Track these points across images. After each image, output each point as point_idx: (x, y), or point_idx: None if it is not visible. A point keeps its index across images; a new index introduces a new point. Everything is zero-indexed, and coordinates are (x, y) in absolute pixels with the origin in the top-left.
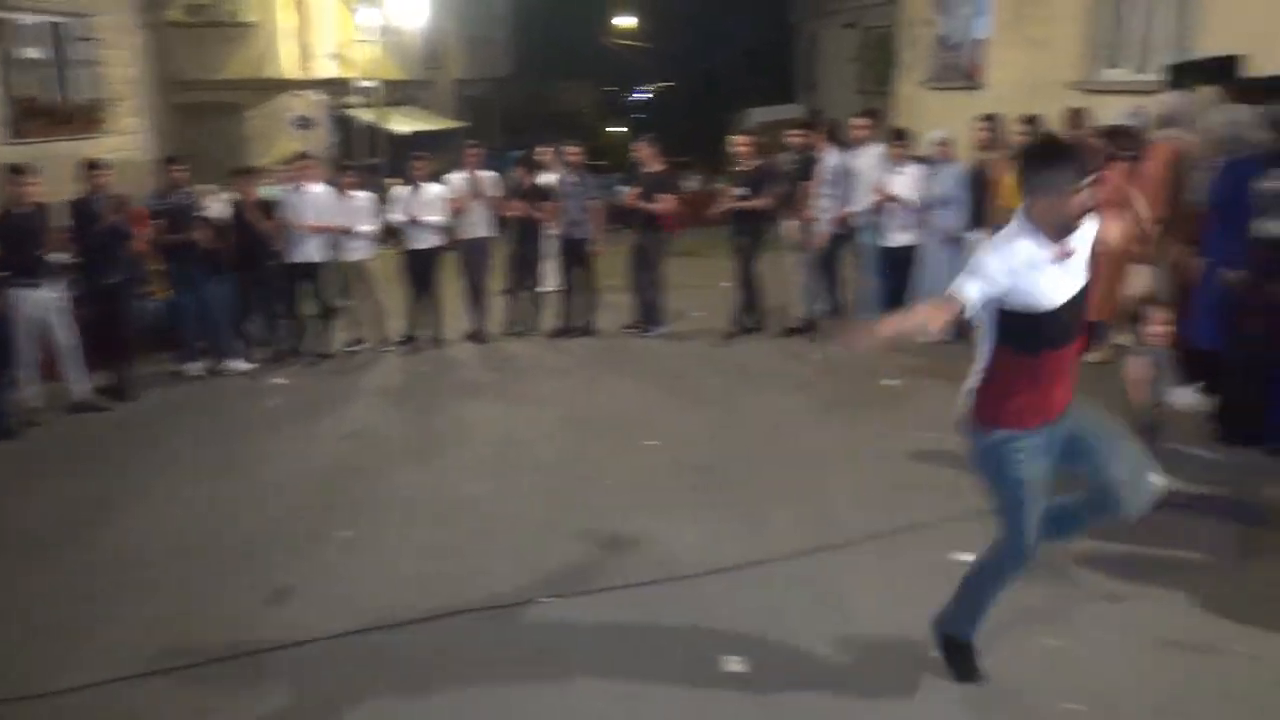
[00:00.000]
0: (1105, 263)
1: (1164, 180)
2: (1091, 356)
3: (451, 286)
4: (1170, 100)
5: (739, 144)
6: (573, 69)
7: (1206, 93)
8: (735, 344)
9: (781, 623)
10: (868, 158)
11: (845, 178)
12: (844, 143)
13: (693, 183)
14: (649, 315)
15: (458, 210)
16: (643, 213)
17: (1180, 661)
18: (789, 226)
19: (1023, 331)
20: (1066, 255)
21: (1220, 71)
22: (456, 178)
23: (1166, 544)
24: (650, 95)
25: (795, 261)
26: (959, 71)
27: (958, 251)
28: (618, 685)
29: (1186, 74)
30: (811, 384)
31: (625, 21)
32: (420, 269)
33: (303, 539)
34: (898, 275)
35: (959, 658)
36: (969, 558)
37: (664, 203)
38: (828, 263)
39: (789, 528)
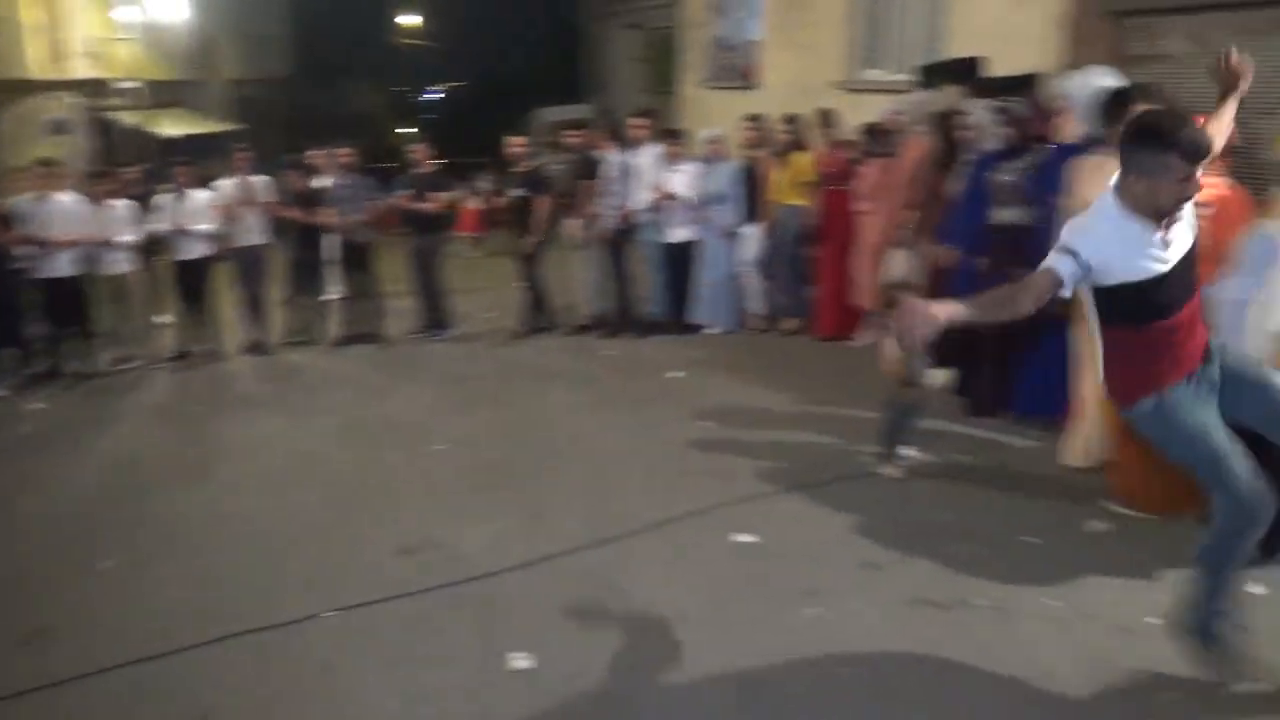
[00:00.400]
0: (866, 252)
1: (916, 173)
2: (858, 340)
3: (228, 297)
4: (919, 99)
5: (514, 145)
6: (359, 69)
7: (953, 91)
8: (525, 344)
9: (569, 615)
10: (646, 156)
11: (626, 176)
12: (626, 142)
13: (485, 184)
14: (435, 319)
15: (228, 217)
16: (419, 214)
17: (933, 618)
18: (572, 225)
19: (1126, 307)
20: (1166, 237)
21: (964, 71)
22: (226, 183)
23: (922, 513)
24: (442, 95)
25: (581, 260)
26: (736, 72)
27: (734, 245)
28: (401, 693)
29: (934, 74)
30: (599, 379)
31: (411, 20)
32: (191, 280)
33: (63, 573)
34: (679, 270)
35: (1216, 646)
36: (748, 539)
37: (436, 202)
38: (614, 259)
39: (576, 522)
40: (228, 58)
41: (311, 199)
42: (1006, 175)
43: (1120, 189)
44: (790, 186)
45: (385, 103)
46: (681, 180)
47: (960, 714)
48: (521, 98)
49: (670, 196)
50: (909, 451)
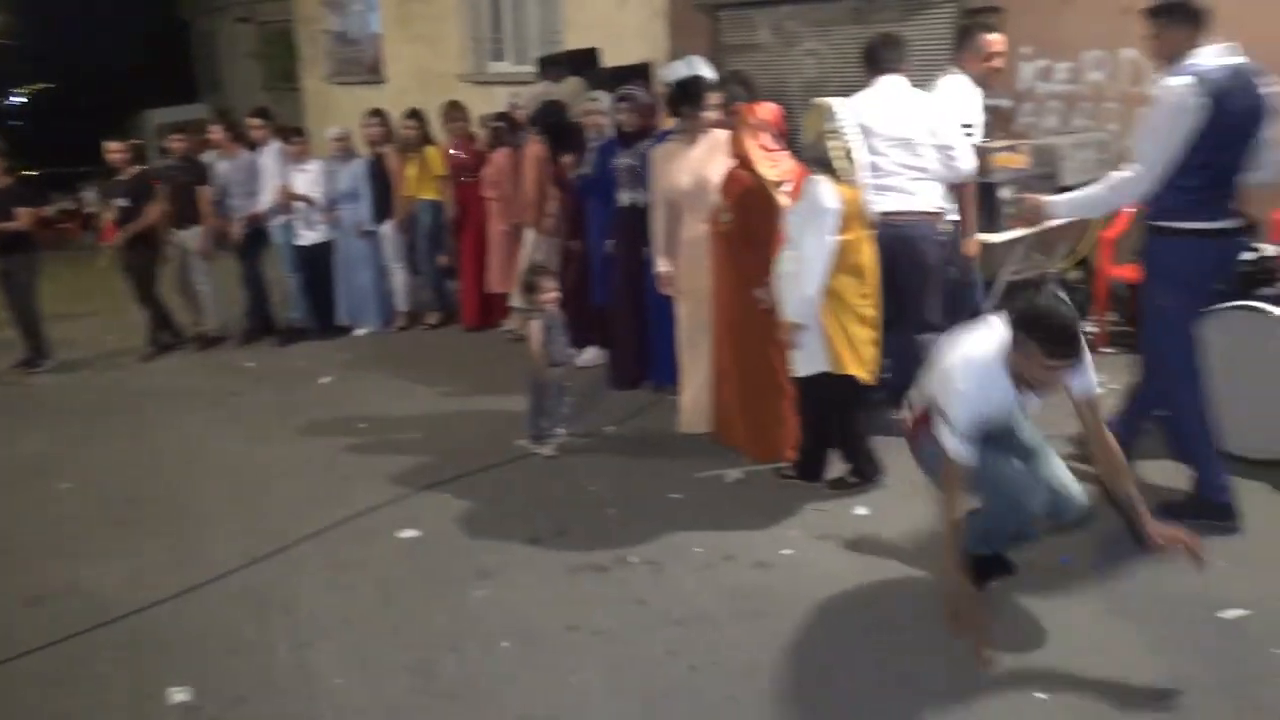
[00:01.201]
0: (500, 238)
1: (542, 161)
2: (504, 327)
3: None
4: (539, 90)
5: (113, 151)
6: None
7: (573, 82)
8: (154, 365)
9: (228, 640)
10: (268, 157)
11: (252, 178)
12: (246, 142)
13: (89, 195)
14: (36, 348)
15: None
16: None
17: (594, 580)
18: (187, 235)
19: None
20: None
21: (582, 62)
22: None
23: (577, 485)
24: (25, 100)
25: (201, 270)
26: (361, 66)
27: (371, 243)
28: None
29: (554, 65)
30: (242, 394)
31: None
32: None
33: None
34: (315, 271)
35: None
36: (412, 533)
37: (22, 219)
38: (244, 266)
39: (227, 545)
40: None
41: None
42: (625, 160)
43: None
44: (421, 181)
45: None
46: (306, 180)
47: (622, 664)
48: (126, 99)
49: (295, 197)
50: (559, 429)
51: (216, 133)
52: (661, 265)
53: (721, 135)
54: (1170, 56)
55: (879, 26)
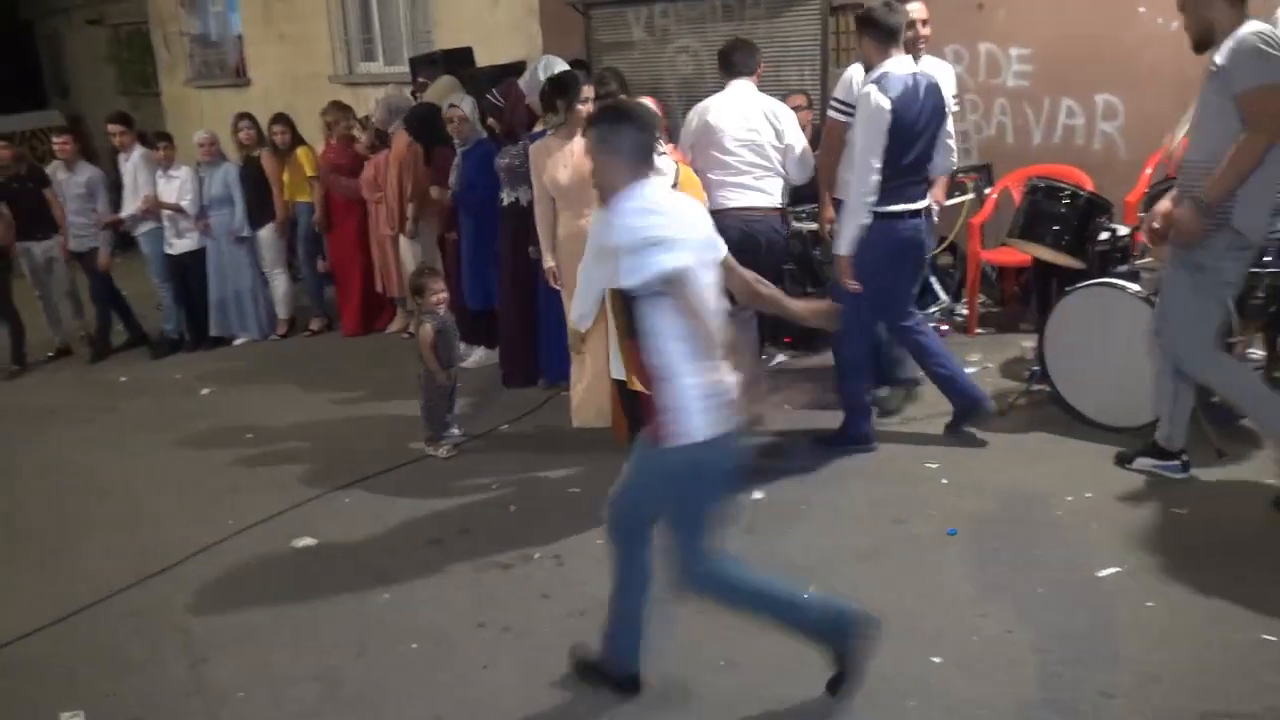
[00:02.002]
0: (379, 242)
1: (404, 162)
2: (393, 327)
3: None
4: (402, 92)
5: None
6: None
7: (445, 81)
8: (18, 383)
9: (120, 661)
10: (130, 164)
11: (92, 193)
12: (92, 152)
13: None
14: None
15: None
16: None
17: (498, 577)
18: (42, 245)
19: None
20: None
21: (455, 62)
22: None
23: (475, 485)
24: None
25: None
26: (225, 69)
27: (246, 250)
28: None
29: (427, 65)
30: (117, 409)
31: None
32: None
33: None
34: (189, 280)
35: None
36: (309, 541)
37: None
38: (97, 278)
39: (113, 564)
40: None
41: None
42: (505, 160)
43: None
44: (295, 184)
45: None
46: (175, 187)
47: (531, 658)
48: None
49: (164, 206)
50: (453, 430)
51: (64, 143)
52: (548, 260)
53: None
54: (867, 66)
55: (751, 23)
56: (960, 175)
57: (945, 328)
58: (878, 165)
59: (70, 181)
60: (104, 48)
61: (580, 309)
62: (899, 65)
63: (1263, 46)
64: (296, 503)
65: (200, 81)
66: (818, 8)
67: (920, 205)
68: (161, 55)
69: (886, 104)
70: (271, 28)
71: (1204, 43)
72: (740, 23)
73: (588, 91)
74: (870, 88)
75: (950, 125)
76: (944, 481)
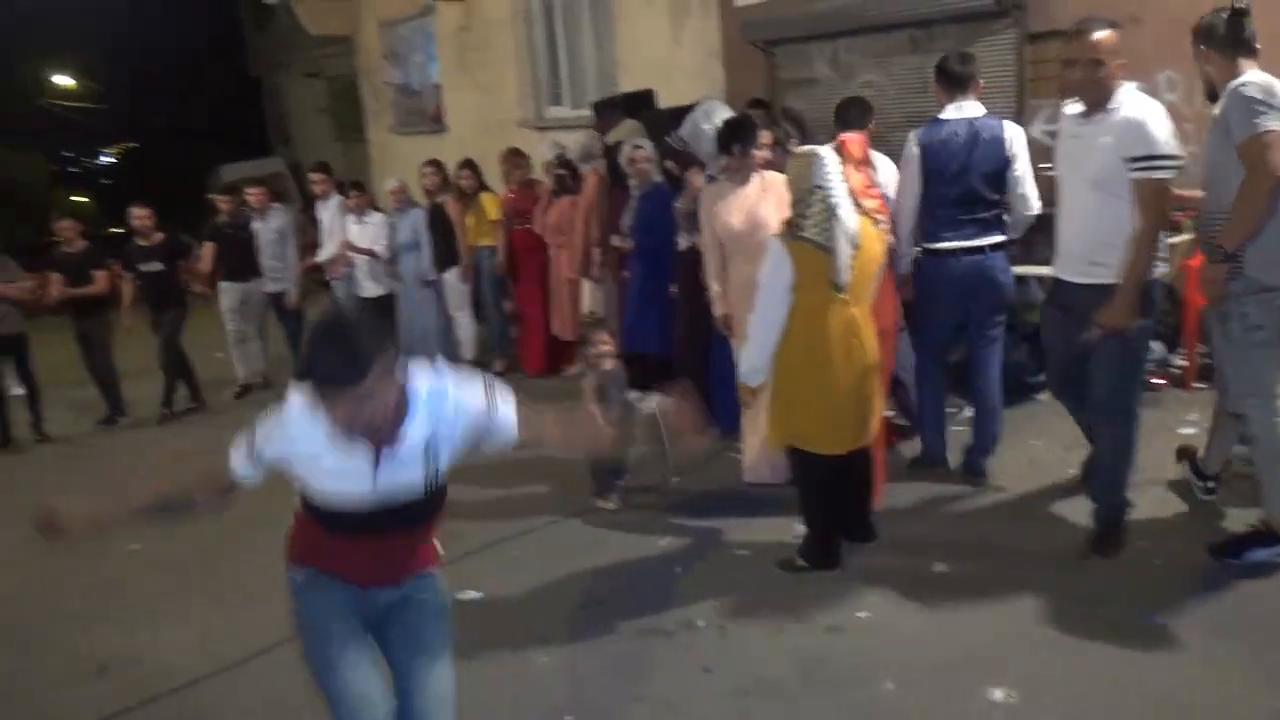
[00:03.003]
0: (561, 287)
1: (595, 206)
2: (575, 369)
3: None
4: (591, 135)
5: (139, 216)
6: (8, 136)
7: (629, 124)
8: (176, 425)
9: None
10: (329, 210)
11: (283, 239)
12: (289, 198)
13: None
14: (114, 405)
15: None
16: (78, 297)
17: (659, 645)
18: (246, 287)
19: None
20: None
21: (637, 105)
22: None
23: (641, 541)
24: (114, 159)
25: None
26: (424, 116)
27: (435, 293)
28: None
29: (609, 108)
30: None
31: (64, 81)
32: None
33: None
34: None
35: None
36: (472, 594)
37: (99, 282)
38: (288, 321)
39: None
40: None
41: None
42: (681, 204)
43: None
44: (479, 228)
45: (47, 171)
46: (366, 232)
47: None
48: (203, 156)
49: (358, 250)
50: (620, 482)
51: (256, 194)
52: (719, 308)
53: (773, 176)
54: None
55: (938, 55)
56: (1176, 213)
57: (1160, 381)
58: (912, 204)
59: (264, 228)
60: (320, 99)
61: (750, 362)
62: (958, 111)
63: (1253, 95)
64: (463, 554)
65: (402, 129)
66: (1013, 37)
67: (977, 243)
68: (369, 104)
69: (915, 146)
70: (466, 75)
71: (1211, 95)
72: (928, 55)
73: (765, 138)
74: (913, 132)
75: (1020, 172)
76: None
